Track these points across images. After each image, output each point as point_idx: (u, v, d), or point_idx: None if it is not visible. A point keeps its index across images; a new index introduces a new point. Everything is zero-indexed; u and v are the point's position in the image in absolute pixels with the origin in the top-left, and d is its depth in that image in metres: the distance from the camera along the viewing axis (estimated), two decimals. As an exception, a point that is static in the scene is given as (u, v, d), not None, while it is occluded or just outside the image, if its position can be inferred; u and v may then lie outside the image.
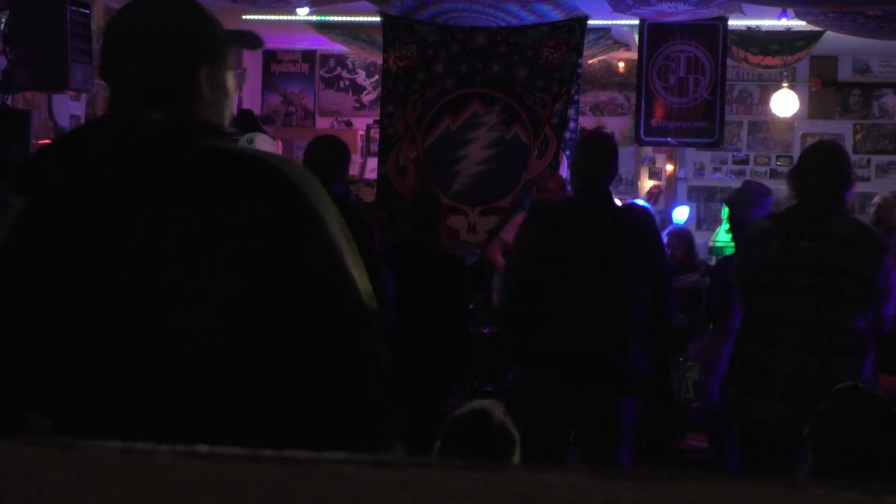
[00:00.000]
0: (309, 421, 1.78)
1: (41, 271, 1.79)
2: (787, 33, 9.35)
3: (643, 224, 4.72)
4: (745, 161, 11.73)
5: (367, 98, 11.98)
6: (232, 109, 1.99)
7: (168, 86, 1.87)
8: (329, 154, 5.05)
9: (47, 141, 5.72)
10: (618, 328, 4.45)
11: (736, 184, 11.54)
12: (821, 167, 4.37)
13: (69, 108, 8.33)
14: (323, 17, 9.71)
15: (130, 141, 1.83)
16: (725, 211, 6.41)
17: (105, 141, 1.85)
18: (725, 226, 6.38)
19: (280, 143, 10.43)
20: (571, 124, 8.83)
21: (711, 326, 6.23)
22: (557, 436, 4.64)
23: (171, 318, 1.74)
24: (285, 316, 1.75)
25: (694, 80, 8.73)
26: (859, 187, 11.15)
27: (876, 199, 8.51)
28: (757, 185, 6.50)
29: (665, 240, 6.60)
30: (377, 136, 9.84)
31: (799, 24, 8.80)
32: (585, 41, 8.97)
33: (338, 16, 9.67)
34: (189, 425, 1.75)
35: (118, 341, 1.75)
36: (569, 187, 8.43)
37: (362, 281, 1.82)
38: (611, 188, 4.79)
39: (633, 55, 9.44)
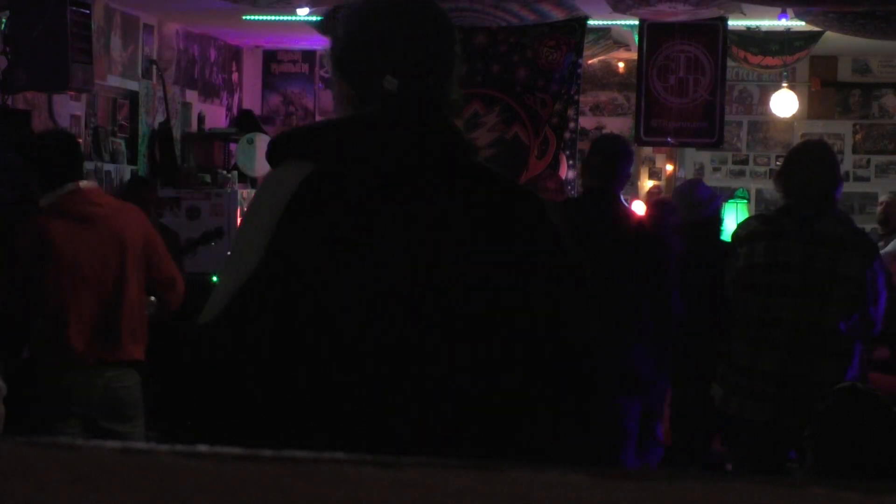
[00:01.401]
0: (546, 430, 1.86)
1: (324, 241, 1.79)
2: (787, 33, 9.35)
3: (649, 225, 4.73)
4: (745, 161, 11.73)
5: (367, 98, 11.97)
6: None
7: (444, 90, 1.93)
8: None
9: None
10: (623, 330, 4.45)
11: (736, 184, 11.58)
12: (808, 167, 4.36)
13: (69, 108, 8.33)
14: (323, 17, 9.71)
15: (418, 146, 1.88)
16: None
17: (392, 140, 1.88)
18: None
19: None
20: (571, 124, 8.84)
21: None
22: None
23: (447, 316, 1.79)
24: (535, 337, 1.84)
25: (694, 80, 8.73)
26: (859, 187, 11.21)
27: (883, 198, 8.51)
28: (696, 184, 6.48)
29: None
30: (377, 136, 9.84)
31: (799, 24, 8.80)
32: (585, 41, 8.97)
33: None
34: (433, 427, 1.80)
35: (387, 328, 1.78)
36: (569, 187, 8.44)
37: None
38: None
39: (633, 55, 9.44)
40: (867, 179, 11.35)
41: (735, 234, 4.57)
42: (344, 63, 1.94)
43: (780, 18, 8.63)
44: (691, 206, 5.79)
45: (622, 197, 4.83)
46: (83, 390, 4.43)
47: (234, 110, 11.29)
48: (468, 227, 1.83)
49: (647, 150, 11.26)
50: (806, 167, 4.36)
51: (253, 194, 1.92)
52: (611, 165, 4.63)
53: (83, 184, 4.57)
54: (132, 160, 9.33)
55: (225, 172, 9.98)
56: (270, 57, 11.90)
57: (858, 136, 11.49)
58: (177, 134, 9.96)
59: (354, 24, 1.94)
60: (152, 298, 4.73)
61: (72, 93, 8.00)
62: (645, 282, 4.51)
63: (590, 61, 10.50)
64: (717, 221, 5.92)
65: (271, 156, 1.92)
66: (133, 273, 4.55)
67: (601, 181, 4.61)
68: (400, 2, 1.96)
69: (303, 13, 8.86)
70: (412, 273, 1.79)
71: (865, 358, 4.69)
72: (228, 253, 2.01)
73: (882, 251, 5.80)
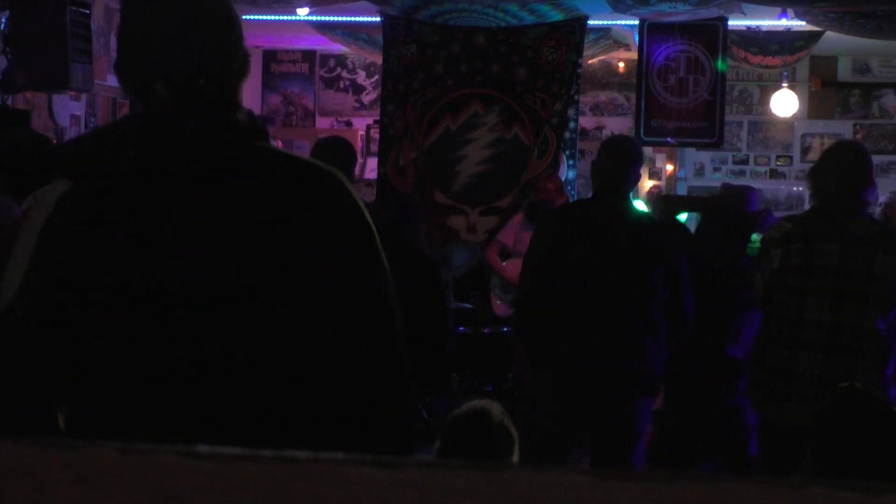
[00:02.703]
0: (333, 416, 1.82)
1: (83, 255, 1.78)
2: (787, 33, 9.35)
3: (661, 225, 4.73)
4: (745, 161, 11.73)
5: (367, 98, 11.98)
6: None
7: (219, 85, 1.89)
8: (340, 154, 5.06)
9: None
10: (635, 330, 4.44)
11: (736, 184, 11.57)
12: (840, 168, 4.35)
13: (69, 108, 8.33)
14: (323, 17, 9.71)
15: (188, 137, 1.83)
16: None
17: (160, 136, 1.84)
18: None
19: (280, 143, 10.43)
20: (571, 124, 8.84)
21: None
22: (570, 437, 4.66)
23: (215, 308, 1.75)
24: (326, 314, 1.78)
25: (694, 80, 8.73)
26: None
27: (883, 199, 8.50)
28: (738, 187, 6.46)
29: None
30: (377, 136, 9.85)
31: (799, 24, 8.80)
32: (585, 41, 8.97)
33: (338, 16, 9.67)
34: (215, 417, 1.77)
35: (159, 329, 1.76)
36: (568, 187, 8.44)
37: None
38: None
39: (633, 55, 9.44)
40: (867, 179, 11.35)
41: (767, 237, 4.55)
42: (119, 72, 1.91)
43: (780, 18, 8.63)
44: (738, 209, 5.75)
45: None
46: None
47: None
48: (239, 216, 1.77)
49: (647, 150, 11.25)
50: (838, 168, 4.35)
51: None
52: (621, 167, 4.63)
53: None
54: (132, 160, 9.33)
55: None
56: (270, 57, 11.90)
57: (858, 137, 11.49)
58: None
59: (126, 23, 1.91)
60: None
61: (72, 93, 8.00)
62: (659, 281, 4.50)
63: (590, 61, 10.50)
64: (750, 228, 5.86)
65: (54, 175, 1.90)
66: None
67: (612, 182, 4.61)
68: (158, 4, 1.90)
69: (303, 13, 8.86)
70: (179, 270, 1.75)
71: None
72: None
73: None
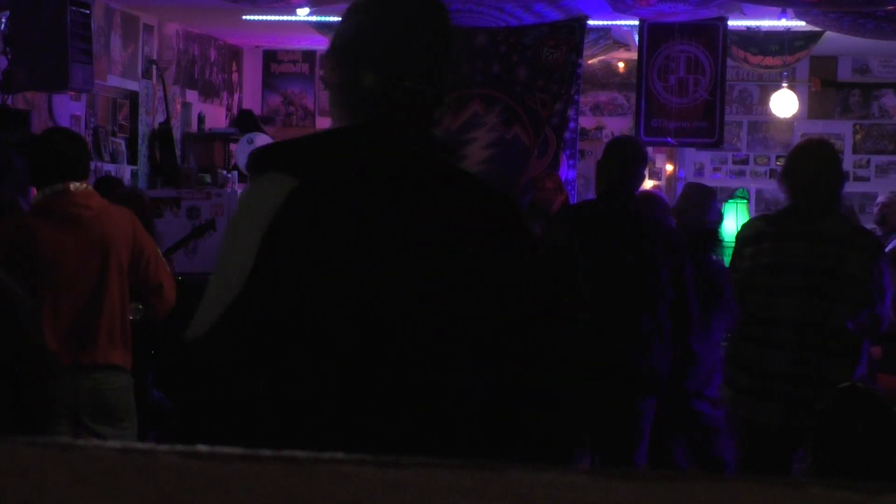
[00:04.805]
0: (515, 429, 1.89)
1: (312, 250, 1.83)
2: (787, 33, 9.35)
3: (665, 225, 4.74)
4: (745, 161, 11.74)
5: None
6: None
7: (429, 93, 1.93)
8: None
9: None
10: (643, 331, 4.44)
11: (736, 184, 11.58)
12: (811, 167, 4.36)
13: (69, 108, 8.33)
14: (323, 17, 9.71)
15: (400, 153, 1.90)
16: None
17: (374, 147, 1.90)
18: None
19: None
20: (571, 124, 8.84)
21: None
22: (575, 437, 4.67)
23: (423, 319, 1.82)
24: (514, 335, 1.87)
25: (694, 80, 8.73)
26: (859, 187, 11.21)
27: (880, 199, 8.50)
28: (698, 187, 6.45)
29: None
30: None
31: (799, 24, 8.80)
32: (585, 41, 8.97)
33: (338, 16, 9.65)
34: (408, 426, 1.83)
35: (372, 330, 1.82)
36: (568, 187, 8.45)
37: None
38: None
39: (633, 55, 9.44)
40: (867, 179, 11.35)
41: (740, 235, 4.57)
42: (334, 55, 1.96)
43: (780, 18, 8.63)
44: (699, 212, 5.74)
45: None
46: (66, 391, 4.38)
47: (234, 110, 11.29)
48: (454, 233, 1.85)
49: (648, 150, 11.26)
50: (809, 166, 4.36)
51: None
52: (627, 167, 4.64)
53: (74, 185, 4.49)
54: (132, 160, 9.33)
55: (225, 172, 9.98)
56: (270, 57, 11.90)
57: (858, 136, 11.49)
58: (177, 134, 9.96)
59: (347, 19, 1.97)
60: (139, 305, 4.68)
61: (72, 93, 8.00)
62: (665, 282, 4.50)
63: (590, 61, 10.50)
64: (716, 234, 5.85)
65: (254, 167, 1.93)
66: (115, 277, 4.49)
67: (617, 183, 4.62)
68: (395, 0, 1.96)
69: (303, 13, 8.86)
70: (403, 282, 1.82)
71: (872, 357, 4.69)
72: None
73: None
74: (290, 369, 1.83)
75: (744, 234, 4.52)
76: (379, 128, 1.91)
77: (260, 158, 1.93)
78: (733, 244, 4.63)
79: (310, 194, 1.84)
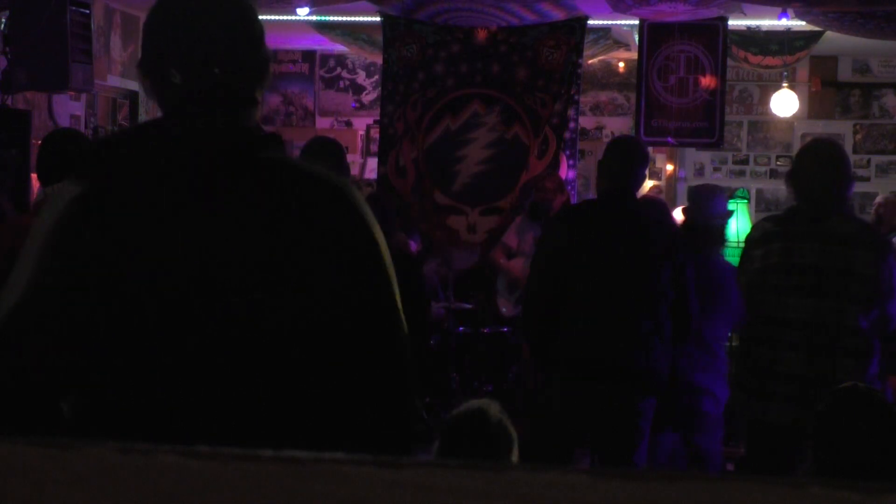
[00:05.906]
0: (337, 416, 1.83)
1: (94, 258, 1.79)
2: (787, 33, 9.35)
3: (666, 225, 4.73)
4: (745, 161, 11.73)
5: (367, 98, 11.98)
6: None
7: (234, 81, 1.90)
8: (334, 155, 5.05)
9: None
10: (643, 330, 4.44)
11: (736, 184, 11.57)
12: (818, 167, 4.34)
13: (69, 108, 8.33)
14: (323, 17, 9.71)
15: (198, 145, 1.85)
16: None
17: (171, 142, 1.86)
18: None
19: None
20: (571, 124, 8.84)
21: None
22: (576, 437, 4.66)
23: (216, 311, 1.76)
24: (331, 318, 1.80)
25: (694, 80, 8.73)
26: (859, 187, 11.18)
27: (878, 199, 8.51)
28: (705, 187, 6.43)
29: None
30: (377, 136, 9.85)
31: (799, 24, 8.81)
32: (585, 41, 8.97)
33: (338, 16, 9.67)
34: (219, 415, 1.78)
35: (168, 329, 1.77)
36: (569, 187, 8.44)
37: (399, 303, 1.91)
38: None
39: (633, 55, 9.45)
40: (867, 179, 11.35)
41: (748, 237, 4.55)
42: (142, 62, 1.95)
43: (780, 18, 8.63)
44: (706, 214, 5.72)
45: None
46: None
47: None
48: (253, 225, 1.79)
49: (648, 150, 11.26)
50: (816, 167, 4.34)
51: None
52: (627, 167, 4.64)
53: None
54: (132, 160, 9.33)
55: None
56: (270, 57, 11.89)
57: (858, 136, 11.49)
58: (177, 134, 9.96)
59: (149, 19, 1.95)
60: None
61: (72, 93, 8.00)
62: (666, 282, 4.50)
63: (590, 61, 10.50)
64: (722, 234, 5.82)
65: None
66: None
67: (618, 183, 4.62)
68: None
69: (303, 13, 8.86)
70: (186, 277, 1.77)
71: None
72: None
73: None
74: (93, 382, 1.79)
75: (752, 237, 4.51)
76: (175, 122, 1.89)
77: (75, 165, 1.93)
78: (740, 246, 4.61)
79: (92, 200, 1.81)
